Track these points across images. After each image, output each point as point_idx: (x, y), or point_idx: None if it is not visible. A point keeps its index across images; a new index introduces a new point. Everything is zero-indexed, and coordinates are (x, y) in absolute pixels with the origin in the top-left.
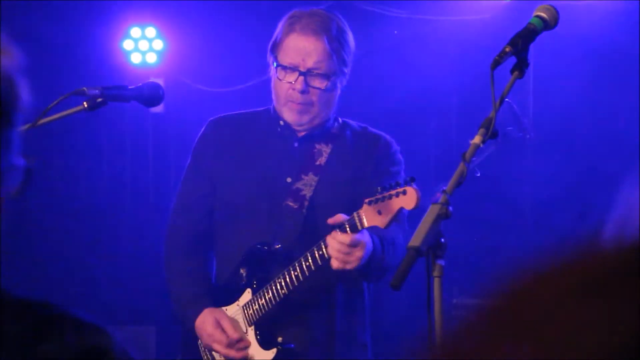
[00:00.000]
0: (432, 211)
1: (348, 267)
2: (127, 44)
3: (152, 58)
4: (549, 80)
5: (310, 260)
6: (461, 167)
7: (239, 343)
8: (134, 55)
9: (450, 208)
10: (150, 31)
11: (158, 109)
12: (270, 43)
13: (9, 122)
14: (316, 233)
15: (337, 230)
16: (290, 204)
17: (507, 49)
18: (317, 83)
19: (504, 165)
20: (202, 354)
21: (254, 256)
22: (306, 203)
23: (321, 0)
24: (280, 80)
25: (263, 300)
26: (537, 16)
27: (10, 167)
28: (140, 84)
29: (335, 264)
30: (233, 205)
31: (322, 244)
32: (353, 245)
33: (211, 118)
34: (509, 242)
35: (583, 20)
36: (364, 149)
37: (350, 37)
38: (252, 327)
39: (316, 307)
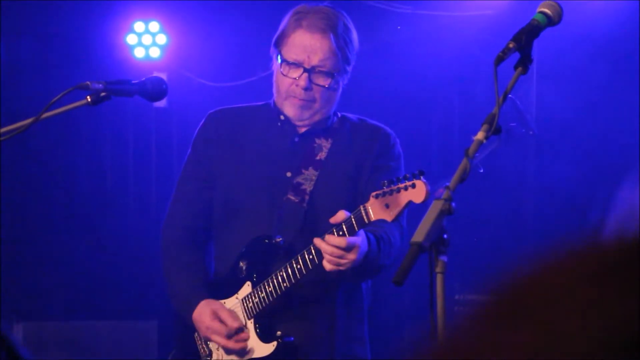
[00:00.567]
0: (435, 207)
1: (341, 268)
2: (131, 39)
3: (155, 52)
4: (553, 77)
5: (314, 254)
6: (464, 163)
7: (238, 334)
8: (137, 50)
9: (453, 204)
10: (154, 26)
11: (161, 103)
12: (275, 37)
13: None
14: (317, 227)
15: (334, 230)
16: (291, 198)
17: (511, 45)
18: (321, 81)
19: (506, 161)
20: (199, 347)
21: (254, 249)
22: (307, 197)
23: None
24: (284, 75)
25: (263, 293)
26: (541, 12)
27: None
28: (144, 79)
29: (328, 266)
30: (233, 199)
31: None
32: (347, 249)
33: (211, 111)
34: (512, 238)
35: (587, 16)
36: (364, 142)
37: (355, 35)
38: (252, 320)
39: (316, 301)
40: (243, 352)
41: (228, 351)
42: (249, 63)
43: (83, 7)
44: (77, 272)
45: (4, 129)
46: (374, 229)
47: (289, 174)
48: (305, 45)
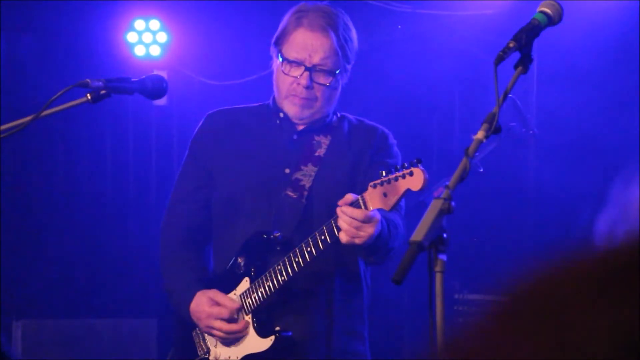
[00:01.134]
0: (434, 206)
1: (357, 241)
2: (131, 37)
3: (155, 51)
4: (553, 76)
5: (312, 246)
6: (464, 162)
7: (239, 323)
8: (137, 48)
9: (453, 203)
10: (154, 24)
11: (161, 101)
12: (275, 36)
13: None
14: (315, 222)
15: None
16: (290, 193)
17: (511, 45)
18: (322, 79)
19: (506, 160)
20: (197, 346)
21: (252, 245)
22: (305, 193)
23: None
24: (285, 74)
25: (262, 288)
26: (541, 12)
27: None
28: (144, 77)
29: (344, 237)
30: (231, 196)
31: (324, 228)
32: (366, 220)
33: (209, 111)
34: (511, 238)
35: (587, 16)
36: (362, 141)
37: (354, 34)
38: (250, 315)
39: (314, 297)
40: (241, 347)
41: (229, 341)
42: (249, 61)
43: (84, 5)
44: (76, 270)
45: (3, 127)
46: (387, 214)
47: (287, 171)
48: (307, 43)
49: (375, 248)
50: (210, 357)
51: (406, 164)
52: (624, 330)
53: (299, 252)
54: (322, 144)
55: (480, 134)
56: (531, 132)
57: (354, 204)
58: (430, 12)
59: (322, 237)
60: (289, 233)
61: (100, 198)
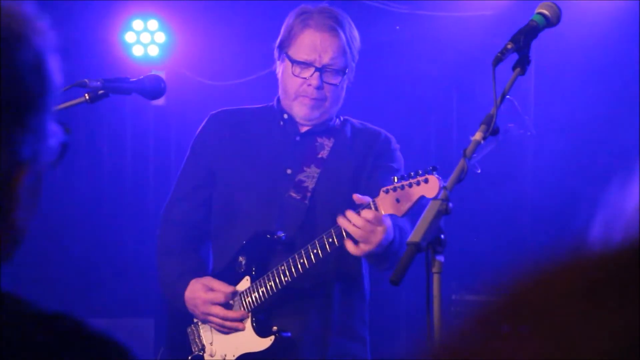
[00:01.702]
0: (432, 207)
1: (366, 248)
2: (129, 37)
3: (154, 51)
4: (551, 78)
5: (318, 248)
6: (462, 163)
7: (236, 311)
8: (135, 48)
9: (451, 204)
10: (153, 24)
11: (160, 101)
12: (280, 39)
13: (39, 107)
14: (318, 224)
15: (362, 208)
16: (293, 194)
17: (509, 46)
18: (332, 79)
19: (504, 162)
20: (192, 343)
21: (255, 244)
22: (308, 194)
23: None
24: (295, 75)
25: (263, 288)
26: (539, 13)
27: (41, 150)
28: (142, 77)
29: (352, 247)
30: (233, 197)
31: (332, 231)
32: (377, 222)
33: (212, 112)
34: (509, 239)
35: (585, 17)
36: (364, 144)
37: (357, 33)
38: (249, 314)
39: (313, 298)
40: (238, 345)
41: (227, 332)
42: (247, 62)
43: (81, 4)
44: (74, 270)
45: None
46: (399, 221)
47: (289, 171)
48: (316, 44)
49: (384, 257)
50: (205, 355)
51: (421, 171)
52: (617, 334)
53: (304, 254)
54: (325, 146)
55: (478, 135)
56: (529, 133)
57: (365, 208)
58: (428, 13)
59: (330, 240)
60: (291, 234)
61: (97, 197)
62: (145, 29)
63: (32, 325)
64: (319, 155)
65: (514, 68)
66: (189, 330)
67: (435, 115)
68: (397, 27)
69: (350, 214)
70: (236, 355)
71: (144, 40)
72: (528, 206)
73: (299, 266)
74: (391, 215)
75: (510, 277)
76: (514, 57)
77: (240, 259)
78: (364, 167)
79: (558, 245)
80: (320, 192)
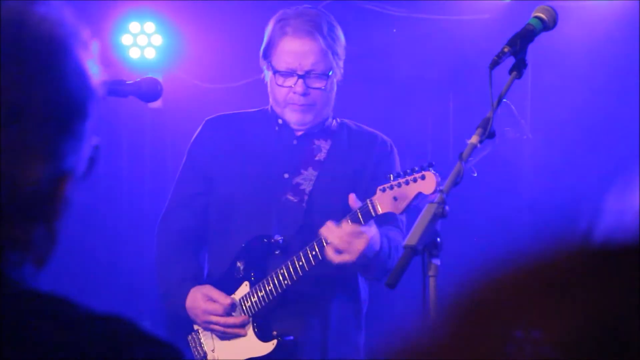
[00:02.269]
0: (428, 210)
1: (347, 258)
2: (126, 39)
3: (150, 53)
4: (547, 82)
5: (317, 250)
6: (458, 166)
7: (237, 317)
8: (132, 50)
9: (447, 207)
10: (150, 26)
11: (156, 104)
12: (262, 48)
13: (83, 114)
14: (316, 226)
15: (347, 218)
16: (290, 197)
17: (506, 49)
18: (317, 84)
19: (500, 165)
20: (193, 350)
21: (253, 249)
22: (306, 197)
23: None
24: (279, 85)
25: (262, 292)
26: (536, 17)
27: (81, 159)
28: (139, 79)
29: (333, 255)
30: (230, 202)
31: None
32: (355, 235)
33: (207, 117)
34: (505, 243)
35: (582, 21)
36: (362, 147)
37: (340, 31)
38: (250, 319)
39: (312, 302)
40: (240, 350)
41: (228, 339)
42: (245, 65)
43: (78, 6)
44: (69, 272)
45: None
46: (390, 233)
47: (286, 176)
48: (296, 51)
49: (369, 267)
50: None
51: (417, 168)
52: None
53: (304, 256)
54: (322, 148)
55: (474, 139)
56: (525, 137)
57: (363, 208)
58: (425, 16)
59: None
60: (289, 237)
61: (94, 201)
62: (142, 32)
63: (86, 328)
64: (316, 158)
65: (510, 72)
66: (190, 338)
67: (432, 118)
68: (394, 30)
69: (329, 226)
70: None
71: (141, 42)
72: (524, 210)
73: (299, 269)
74: (385, 221)
75: (495, 273)
76: (510, 61)
77: (239, 264)
78: (362, 172)
79: (553, 243)
80: (318, 194)
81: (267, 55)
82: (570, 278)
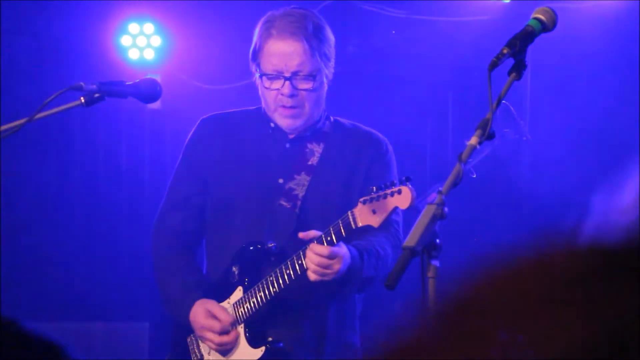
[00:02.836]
0: (427, 212)
1: (326, 278)
2: (125, 40)
3: (149, 54)
4: (547, 83)
5: (302, 258)
6: (457, 167)
7: (230, 335)
8: (131, 51)
9: (446, 209)
10: (149, 27)
11: (155, 105)
12: (251, 51)
13: None
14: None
15: (322, 237)
16: (284, 203)
17: (505, 51)
18: (304, 85)
19: (500, 166)
20: (191, 352)
21: (246, 254)
22: (299, 203)
23: (319, 0)
24: (267, 88)
25: (255, 298)
26: (535, 18)
27: None
28: (138, 80)
29: (312, 276)
30: (225, 205)
31: (315, 242)
32: (331, 257)
33: (202, 117)
34: (505, 243)
35: (581, 22)
36: (356, 148)
37: (328, 31)
38: (242, 325)
39: (307, 308)
40: (232, 356)
41: (220, 351)
42: (243, 65)
43: (77, 8)
44: (69, 273)
45: None
46: (359, 242)
47: (280, 180)
48: (281, 53)
49: (346, 280)
50: None
51: (395, 182)
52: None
53: (290, 264)
54: (315, 152)
55: (473, 140)
56: (524, 138)
57: (344, 219)
58: (424, 18)
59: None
60: (283, 243)
61: (93, 201)
62: (141, 33)
63: None
64: (309, 162)
65: (509, 73)
66: (189, 339)
67: (431, 119)
68: (394, 32)
69: (311, 246)
70: None
71: (140, 43)
72: (523, 211)
73: (286, 276)
74: (369, 227)
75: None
76: (509, 62)
77: (234, 268)
78: (356, 173)
79: (543, 243)
80: (311, 199)
81: (254, 58)
82: (564, 280)
